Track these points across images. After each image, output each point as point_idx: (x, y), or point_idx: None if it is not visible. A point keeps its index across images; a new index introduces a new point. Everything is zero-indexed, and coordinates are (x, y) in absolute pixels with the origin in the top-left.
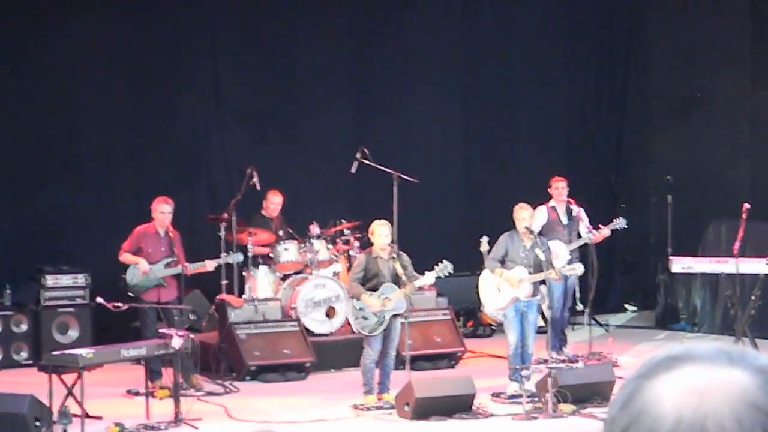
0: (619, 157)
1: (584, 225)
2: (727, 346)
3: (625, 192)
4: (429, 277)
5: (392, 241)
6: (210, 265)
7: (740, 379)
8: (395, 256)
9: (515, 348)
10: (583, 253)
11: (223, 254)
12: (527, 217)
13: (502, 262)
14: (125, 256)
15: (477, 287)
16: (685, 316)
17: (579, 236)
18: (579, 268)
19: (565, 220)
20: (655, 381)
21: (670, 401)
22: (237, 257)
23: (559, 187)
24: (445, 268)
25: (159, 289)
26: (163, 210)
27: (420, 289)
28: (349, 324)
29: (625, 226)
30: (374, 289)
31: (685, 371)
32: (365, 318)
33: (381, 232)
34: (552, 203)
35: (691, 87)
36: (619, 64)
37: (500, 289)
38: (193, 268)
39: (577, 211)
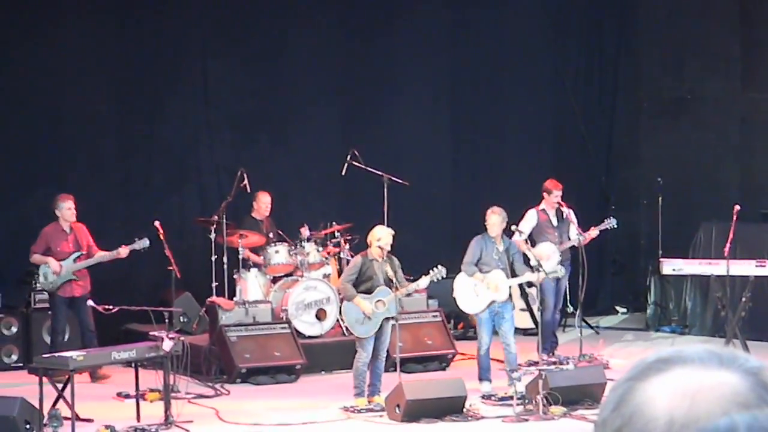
0: (609, 158)
1: (574, 227)
2: (717, 348)
3: (615, 194)
4: (423, 281)
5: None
6: (123, 252)
7: (731, 381)
8: (387, 259)
9: (486, 348)
10: (573, 255)
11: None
12: (498, 222)
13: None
14: (35, 257)
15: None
16: (675, 318)
17: (569, 238)
18: (560, 270)
19: (555, 221)
20: (646, 383)
21: (662, 403)
22: (143, 243)
23: (559, 195)
24: (439, 272)
25: (72, 284)
26: (69, 206)
27: (409, 293)
28: (340, 326)
29: (615, 226)
30: (368, 291)
31: (677, 373)
32: (362, 321)
33: (388, 240)
34: (542, 206)
35: (681, 89)
36: (609, 65)
37: (478, 293)
38: (109, 257)
39: (567, 212)
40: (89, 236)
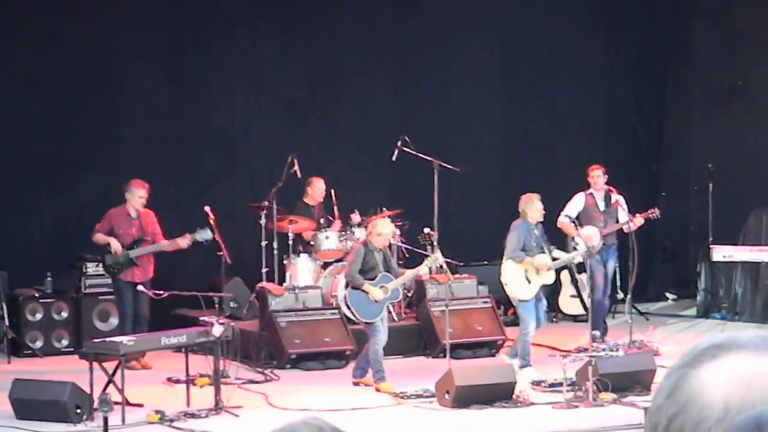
0: (660, 145)
1: (623, 212)
2: None
3: (665, 180)
4: (423, 269)
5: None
6: (183, 242)
7: None
8: (384, 249)
9: (531, 335)
10: (623, 242)
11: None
12: (541, 208)
13: None
14: (98, 236)
15: (500, 279)
16: (725, 305)
17: (617, 222)
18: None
19: (602, 206)
20: (700, 370)
21: (717, 390)
22: (205, 234)
23: (594, 176)
24: (435, 260)
25: (133, 269)
26: (142, 195)
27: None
28: (390, 312)
29: (659, 216)
30: (370, 280)
31: (731, 359)
32: (369, 306)
33: (388, 236)
34: (590, 190)
35: (732, 75)
36: (660, 52)
37: (530, 279)
38: (168, 246)
39: (616, 198)
40: (156, 224)
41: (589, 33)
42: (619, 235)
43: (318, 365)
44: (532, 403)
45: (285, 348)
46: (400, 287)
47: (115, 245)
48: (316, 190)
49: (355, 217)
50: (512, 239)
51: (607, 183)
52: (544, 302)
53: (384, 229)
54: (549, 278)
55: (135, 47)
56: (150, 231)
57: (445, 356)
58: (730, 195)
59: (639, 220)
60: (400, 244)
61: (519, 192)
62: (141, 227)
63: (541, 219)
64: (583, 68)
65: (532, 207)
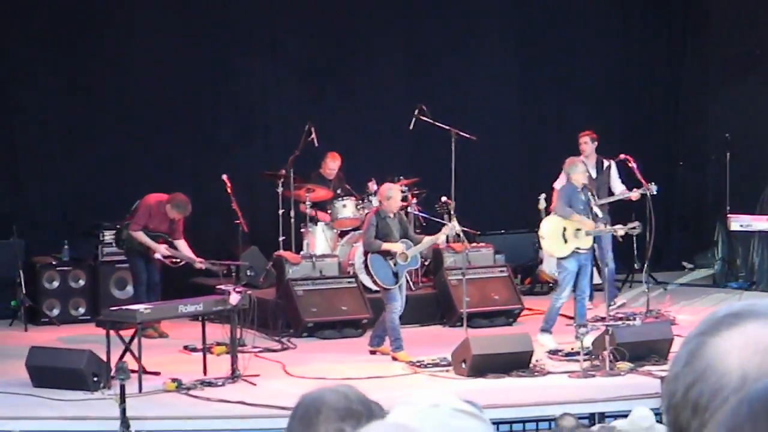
0: (677, 115)
1: (616, 180)
2: None
3: (683, 150)
4: (441, 237)
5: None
6: (199, 263)
7: None
8: (398, 214)
9: (562, 302)
10: (640, 211)
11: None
12: (584, 170)
13: None
14: (140, 235)
15: (537, 236)
16: (742, 274)
17: (611, 192)
18: (638, 227)
19: (594, 173)
20: (718, 338)
21: (735, 358)
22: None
23: (582, 142)
24: (452, 228)
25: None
26: (183, 213)
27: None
28: (407, 280)
29: (654, 193)
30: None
31: (748, 328)
32: (388, 271)
33: (397, 198)
34: (581, 157)
35: (751, 44)
36: (678, 21)
37: (566, 239)
38: (182, 254)
39: (607, 165)
40: (181, 225)
41: (606, 2)
42: (637, 205)
43: (335, 334)
44: (549, 372)
45: (302, 316)
46: (418, 255)
47: (162, 250)
48: (327, 168)
49: (372, 186)
50: (559, 198)
51: (622, 152)
52: (588, 271)
53: (392, 192)
54: (585, 243)
55: (152, 16)
56: (177, 229)
57: (461, 325)
58: (747, 164)
59: (635, 194)
60: (417, 212)
61: (535, 161)
62: (171, 227)
63: (586, 182)
64: (600, 37)
65: (576, 170)
